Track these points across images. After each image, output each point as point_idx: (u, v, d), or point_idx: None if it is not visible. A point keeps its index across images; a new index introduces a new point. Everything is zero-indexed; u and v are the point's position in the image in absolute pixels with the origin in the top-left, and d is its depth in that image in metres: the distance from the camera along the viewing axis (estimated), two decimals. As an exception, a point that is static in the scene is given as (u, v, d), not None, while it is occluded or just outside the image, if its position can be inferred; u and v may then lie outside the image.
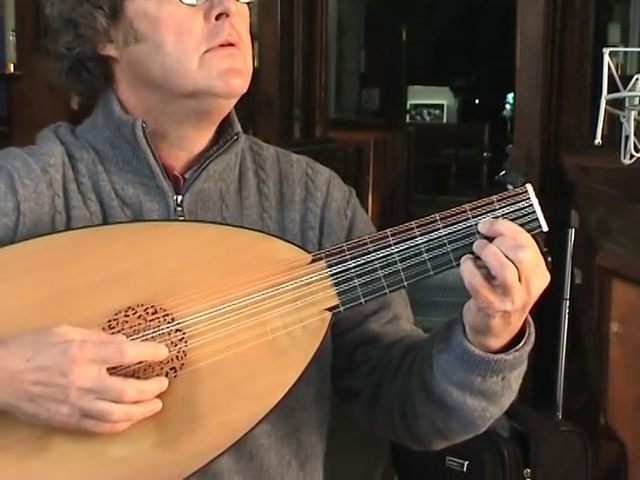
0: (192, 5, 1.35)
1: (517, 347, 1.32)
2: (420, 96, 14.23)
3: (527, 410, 3.18)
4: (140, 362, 1.25)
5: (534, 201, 1.29)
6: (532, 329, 1.34)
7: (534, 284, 1.26)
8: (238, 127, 1.46)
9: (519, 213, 1.28)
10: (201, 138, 1.44)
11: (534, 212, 1.28)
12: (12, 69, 5.08)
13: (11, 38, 5.08)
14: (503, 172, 4.86)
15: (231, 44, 1.36)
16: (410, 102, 14.17)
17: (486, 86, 14.12)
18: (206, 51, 1.35)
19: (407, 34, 13.41)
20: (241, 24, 1.39)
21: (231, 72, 1.36)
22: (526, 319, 1.33)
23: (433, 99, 14.28)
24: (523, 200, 1.28)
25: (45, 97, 4.88)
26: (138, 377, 1.24)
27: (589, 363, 3.67)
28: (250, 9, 1.43)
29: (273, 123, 6.00)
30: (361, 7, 13.11)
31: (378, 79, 13.22)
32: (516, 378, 1.37)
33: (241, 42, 1.38)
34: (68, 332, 1.21)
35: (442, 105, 14.26)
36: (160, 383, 1.25)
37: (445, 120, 14.26)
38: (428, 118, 14.24)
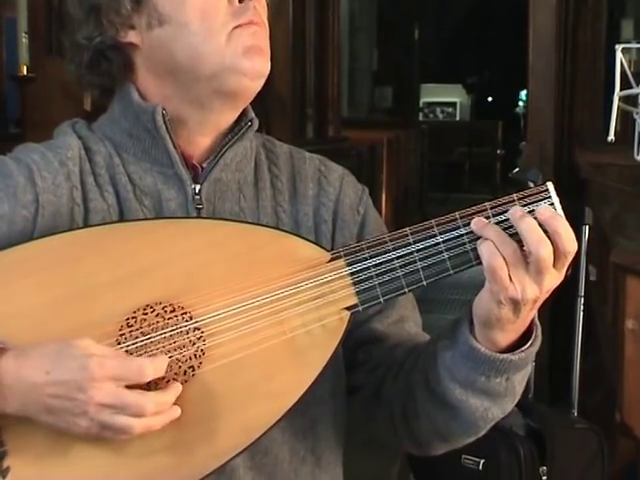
0: None
1: (523, 348, 1.32)
2: (433, 94, 14.20)
3: (543, 408, 3.18)
4: None
5: (555, 200, 1.27)
6: (539, 332, 1.34)
7: (548, 279, 1.26)
8: (252, 114, 1.47)
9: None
10: (221, 123, 1.44)
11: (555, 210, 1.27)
12: (25, 71, 5.07)
13: (24, 40, 5.07)
14: (517, 169, 4.86)
15: (255, 24, 1.39)
16: (423, 100, 14.15)
17: (499, 83, 14.08)
18: (234, 28, 1.37)
19: (419, 32, 13.38)
20: (261, 9, 1.42)
21: (256, 50, 1.38)
22: (533, 320, 1.32)
23: (446, 97, 14.25)
24: (544, 198, 1.27)
25: (58, 99, 4.88)
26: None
27: (604, 360, 3.67)
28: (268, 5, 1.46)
29: (286, 123, 5.99)
30: (373, 5, 13.09)
31: (391, 77, 13.21)
32: (520, 381, 1.36)
33: (263, 25, 1.41)
34: (90, 346, 1.21)
35: (455, 103, 14.23)
36: (177, 389, 1.25)
37: (458, 118, 14.23)
38: (441, 116, 14.22)
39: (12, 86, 5.39)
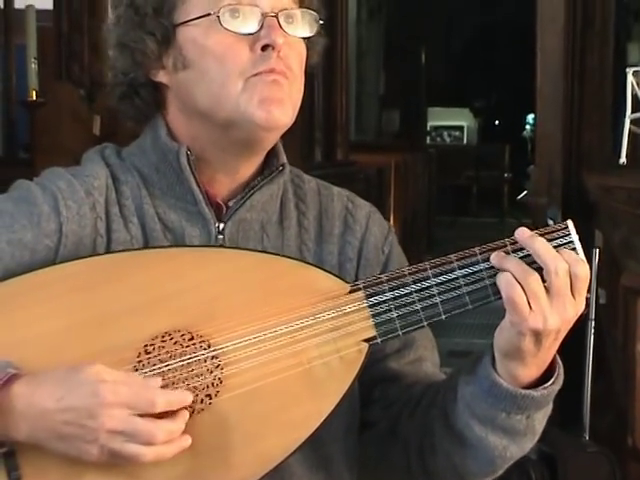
0: (241, 34, 1.35)
1: (545, 385, 1.32)
2: (440, 118, 14.23)
3: (554, 431, 3.16)
4: None
5: (574, 237, 1.28)
6: (561, 370, 1.34)
7: (569, 306, 1.26)
8: (284, 158, 1.46)
9: (560, 249, 1.27)
10: (244, 167, 1.43)
11: (575, 249, 1.28)
12: (34, 96, 5.11)
13: (33, 66, 5.11)
14: (525, 193, 4.86)
15: (278, 72, 1.36)
16: (430, 124, 14.18)
17: (506, 107, 14.12)
18: (252, 75, 1.35)
19: (426, 55, 13.43)
20: (292, 57, 1.38)
21: (273, 101, 1.35)
22: (555, 359, 1.33)
23: (453, 120, 14.28)
24: (564, 236, 1.28)
25: (67, 124, 4.91)
26: None
27: (615, 383, 3.66)
28: (310, 47, 1.43)
29: (294, 146, 5.98)
30: (380, 29, 13.13)
31: (398, 101, 13.22)
32: (540, 420, 1.36)
33: (289, 72, 1.37)
34: (101, 372, 1.21)
35: (462, 127, 14.26)
36: (184, 416, 1.24)
37: (465, 141, 14.26)
38: (448, 140, 14.25)
39: (22, 111, 5.42)
